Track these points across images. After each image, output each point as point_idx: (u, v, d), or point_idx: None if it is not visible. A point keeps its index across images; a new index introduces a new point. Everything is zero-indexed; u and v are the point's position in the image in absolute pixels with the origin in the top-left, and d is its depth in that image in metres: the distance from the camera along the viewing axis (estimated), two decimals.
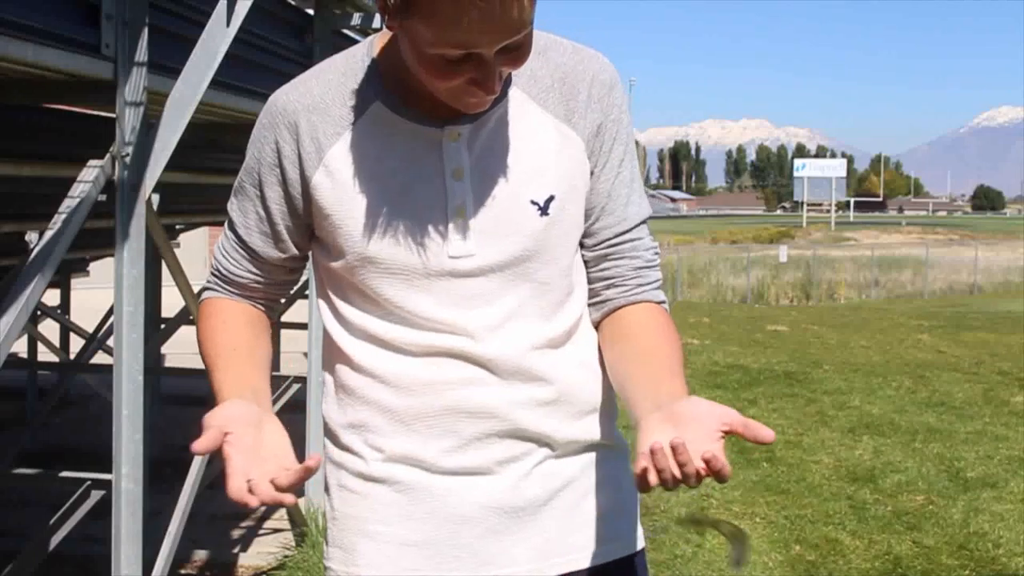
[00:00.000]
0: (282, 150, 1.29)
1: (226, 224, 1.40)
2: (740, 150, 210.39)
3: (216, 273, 1.40)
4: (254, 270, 1.38)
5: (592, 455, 1.38)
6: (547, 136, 1.29)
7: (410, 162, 1.25)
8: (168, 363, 7.23)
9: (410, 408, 1.29)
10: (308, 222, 1.33)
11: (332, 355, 1.36)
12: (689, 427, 1.15)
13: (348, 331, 1.33)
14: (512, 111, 1.28)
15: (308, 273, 4.77)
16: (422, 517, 1.30)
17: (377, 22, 4.23)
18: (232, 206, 1.39)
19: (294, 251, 1.37)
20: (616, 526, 1.40)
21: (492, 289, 1.27)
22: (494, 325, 1.27)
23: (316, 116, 1.28)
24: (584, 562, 1.36)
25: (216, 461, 4.12)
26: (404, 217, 1.25)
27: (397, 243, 1.25)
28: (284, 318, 7.21)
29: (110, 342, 3.40)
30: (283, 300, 1.52)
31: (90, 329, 6.69)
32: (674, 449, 1.10)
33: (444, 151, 1.25)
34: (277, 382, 4.71)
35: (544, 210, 1.27)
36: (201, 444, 1.14)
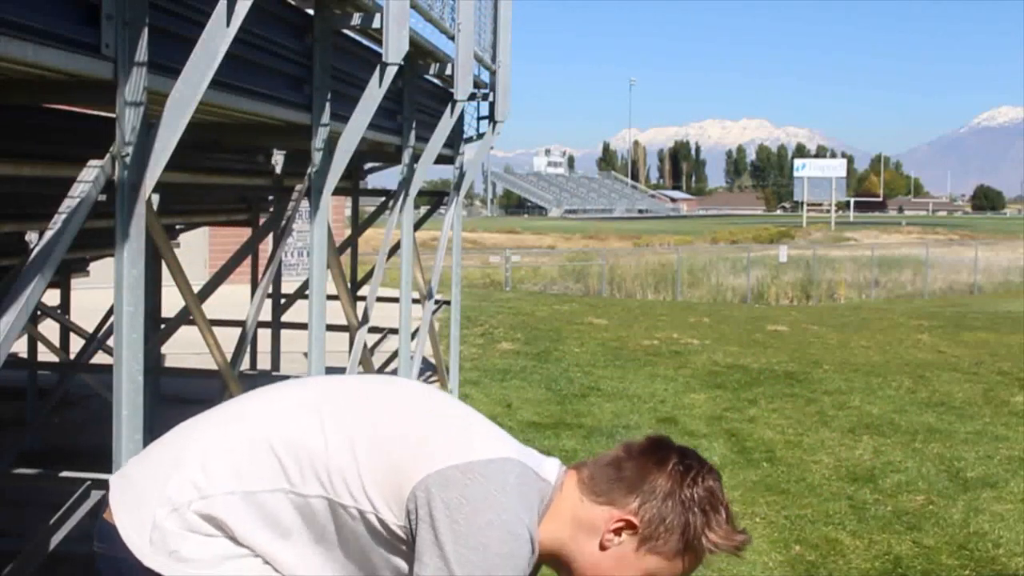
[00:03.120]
0: None
1: None
2: (740, 150, 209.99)
3: None
4: None
5: None
6: None
7: None
8: (168, 363, 7.22)
9: None
10: None
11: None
12: None
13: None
14: None
15: (307, 272, 4.77)
16: None
17: (377, 22, 4.22)
18: None
19: None
20: None
21: None
22: None
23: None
24: None
25: None
26: None
27: None
28: (284, 318, 7.21)
29: (110, 342, 3.40)
30: None
31: (90, 329, 6.68)
32: None
33: None
34: (277, 382, 4.69)
35: None
36: None
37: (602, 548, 1.55)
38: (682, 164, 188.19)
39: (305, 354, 4.69)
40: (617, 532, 1.55)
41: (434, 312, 7.35)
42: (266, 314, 5.89)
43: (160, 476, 1.53)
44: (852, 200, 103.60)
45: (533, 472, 1.55)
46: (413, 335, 6.81)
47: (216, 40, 2.68)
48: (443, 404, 1.65)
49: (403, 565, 1.51)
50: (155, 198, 2.76)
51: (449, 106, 6.04)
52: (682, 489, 1.55)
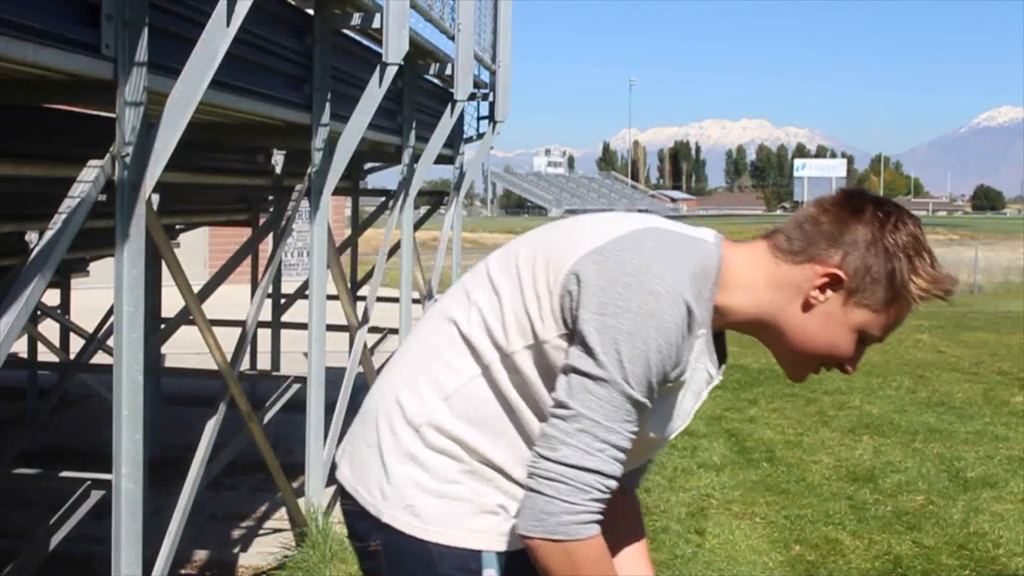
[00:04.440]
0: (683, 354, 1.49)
1: (612, 438, 1.43)
2: (740, 150, 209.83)
3: (605, 491, 1.43)
4: None
5: None
6: None
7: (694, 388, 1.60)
8: (168, 363, 7.22)
9: None
10: None
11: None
12: None
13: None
14: None
15: (307, 272, 4.77)
16: None
17: (377, 22, 4.22)
18: (626, 428, 1.43)
19: None
20: None
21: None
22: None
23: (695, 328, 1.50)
24: None
25: (215, 460, 4.12)
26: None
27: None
28: (284, 318, 7.21)
29: (110, 342, 3.40)
30: None
31: (90, 329, 6.68)
32: None
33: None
34: (277, 382, 4.72)
35: None
36: None
37: (806, 308, 1.52)
38: (682, 164, 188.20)
39: (305, 354, 4.69)
40: (822, 288, 1.50)
41: None
42: (266, 314, 5.90)
43: (378, 432, 1.55)
44: None
45: (678, 233, 1.53)
46: None
47: (216, 40, 2.69)
48: (584, 220, 1.63)
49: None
50: (155, 198, 2.76)
51: (449, 106, 6.05)
52: (884, 236, 1.48)
